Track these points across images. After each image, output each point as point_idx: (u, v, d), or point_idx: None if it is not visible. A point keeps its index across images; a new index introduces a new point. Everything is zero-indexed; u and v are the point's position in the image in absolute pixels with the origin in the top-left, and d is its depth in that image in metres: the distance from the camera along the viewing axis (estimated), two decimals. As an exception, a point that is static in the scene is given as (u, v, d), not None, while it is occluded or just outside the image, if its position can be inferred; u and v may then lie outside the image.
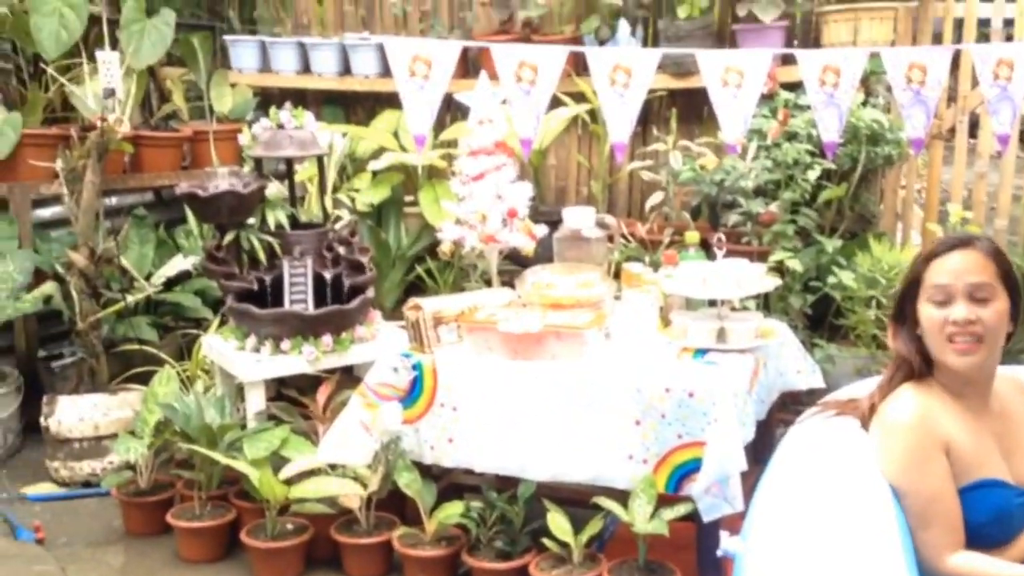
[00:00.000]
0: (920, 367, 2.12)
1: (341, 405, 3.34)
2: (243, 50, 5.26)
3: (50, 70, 4.42)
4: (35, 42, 4.30)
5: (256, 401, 3.48)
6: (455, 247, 3.61)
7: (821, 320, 3.96)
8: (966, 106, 4.51)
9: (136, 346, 4.16)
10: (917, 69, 3.41)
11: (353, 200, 4.58)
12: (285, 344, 3.52)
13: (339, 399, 3.46)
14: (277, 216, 3.71)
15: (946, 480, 2.01)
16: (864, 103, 4.15)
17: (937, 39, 4.55)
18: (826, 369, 3.63)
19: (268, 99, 5.04)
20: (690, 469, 2.87)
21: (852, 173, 4.00)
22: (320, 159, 3.94)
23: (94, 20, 4.39)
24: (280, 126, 3.72)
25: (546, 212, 4.57)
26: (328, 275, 3.71)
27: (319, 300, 3.67)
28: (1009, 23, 4.41)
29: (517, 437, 3.03)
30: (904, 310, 2.12)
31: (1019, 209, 4.51)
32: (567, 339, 3.04)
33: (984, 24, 4.46)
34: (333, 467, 3.23)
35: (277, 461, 3.27)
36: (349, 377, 3.71)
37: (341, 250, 3.77)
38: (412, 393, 3.15)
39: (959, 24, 4.46)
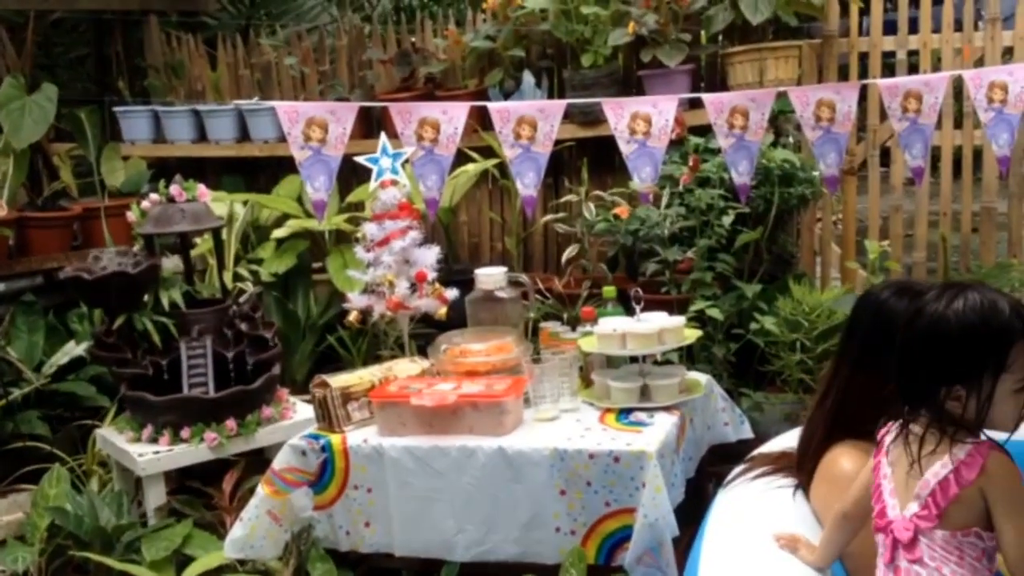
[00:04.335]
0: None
1: (249, 492, 3.13)
2: (135, 121, 5.08)
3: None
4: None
5: (156, 496, 3.25)
6: (362, 316, 3.44)
7: (746, 367, 3.85)
8: (876, 140, 4.49)
9: (27, 442, 3.88)
10: (825, 106, 3.37)
11: (256, 272, 4.38)
12: (185, 432, 3.30)
13: (247, 485, 3.25)
14: (172, 295, 3.49)
15: None
16: (774, 143, 4.09)
17: (843, 73, 4.54)
18: (754, 417, 3.53)
19: (164, 170, 4.82)
20: (621, 538, 2.73)
21: (767, 215, 3.92)
22: (216, 231, 3.74)
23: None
24: (171, 200, 3.53)
25: (460, 270, 4.43)
26: (230, 354, 3.50)
27: (221, 382, 3.46)
28: (913, 53, 4.41)
29: (437, 516, 2.86)
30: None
31: (935, 236, 4.49)
32: (484, 409, 2.87)
33: (889, 55, 4.46)
34: (242, 563, 3.01)
35: (181, 560, 3.03)
36: (259, 461, 3.49)
37: (243, 326, 3.57)
38: (323, 477, 2.95)
39: (864, 57, 4.45)
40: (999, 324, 1.77)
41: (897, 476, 1.89)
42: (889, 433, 1.93)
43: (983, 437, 1.78)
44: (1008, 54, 4.31)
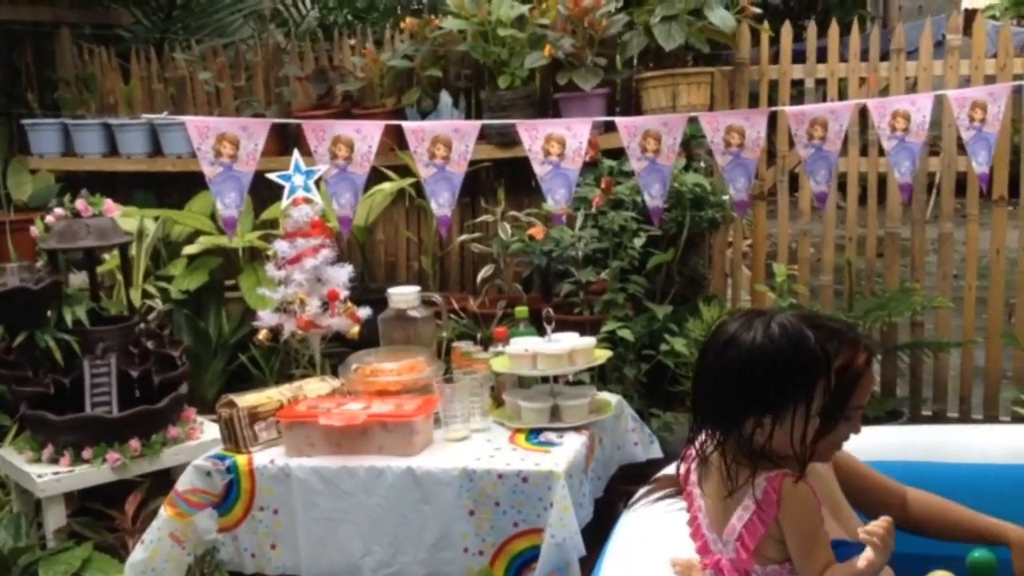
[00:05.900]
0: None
1: (153, 514, 3.06)
2: (43, 134, 4.97)
3: None
4: None
5: (55, 517, 3.16)
6: (273, 334, 3.40)
7: (657, 388, 3.89)
8: (785, 165, 4.58)
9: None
10: (735, 132, 3.43)
11: (165, 289, 4.30)
12: (87, 452, 3.22)
13: (152, 507, 3.18)
14: (76, 312, 3.41)
15: None
16: (686, 168, 4.16)
17: (754, 100, 4.63)
18: (664, 438, 3.56)
19: (73, 184, 4.72)
20: (529, 558, 2.74)
21: (679, 238, 3.98)
22: (124, 247, 3.67)
23: None
24: (76, 214, 3.45)
25: (376, 289, 4.40)
26: (135, 372, 3.43)
27: (126, 401, 3.38)
28: (822, 82, 4.52)
29: (344, 537, 2.83)
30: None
31: (842, 260, 4.60)
32: (394, 429, 2.86)
33: (798, 84, 4.56)
34: (143, 586, 2.94)
35: (80, 584, 2.96)
36: (164, 482, 3.41)
37: (149, 344, 3.50)
38: (228, 498, 2.90)
39: (774, 85, 4.54)
40: (808, 352, 1.79)
41: (712, 509, 1.89)
42: (694, 463, 1.93)
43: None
44: (913, 84, 4.45)
